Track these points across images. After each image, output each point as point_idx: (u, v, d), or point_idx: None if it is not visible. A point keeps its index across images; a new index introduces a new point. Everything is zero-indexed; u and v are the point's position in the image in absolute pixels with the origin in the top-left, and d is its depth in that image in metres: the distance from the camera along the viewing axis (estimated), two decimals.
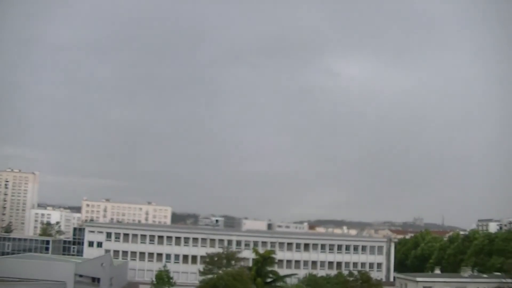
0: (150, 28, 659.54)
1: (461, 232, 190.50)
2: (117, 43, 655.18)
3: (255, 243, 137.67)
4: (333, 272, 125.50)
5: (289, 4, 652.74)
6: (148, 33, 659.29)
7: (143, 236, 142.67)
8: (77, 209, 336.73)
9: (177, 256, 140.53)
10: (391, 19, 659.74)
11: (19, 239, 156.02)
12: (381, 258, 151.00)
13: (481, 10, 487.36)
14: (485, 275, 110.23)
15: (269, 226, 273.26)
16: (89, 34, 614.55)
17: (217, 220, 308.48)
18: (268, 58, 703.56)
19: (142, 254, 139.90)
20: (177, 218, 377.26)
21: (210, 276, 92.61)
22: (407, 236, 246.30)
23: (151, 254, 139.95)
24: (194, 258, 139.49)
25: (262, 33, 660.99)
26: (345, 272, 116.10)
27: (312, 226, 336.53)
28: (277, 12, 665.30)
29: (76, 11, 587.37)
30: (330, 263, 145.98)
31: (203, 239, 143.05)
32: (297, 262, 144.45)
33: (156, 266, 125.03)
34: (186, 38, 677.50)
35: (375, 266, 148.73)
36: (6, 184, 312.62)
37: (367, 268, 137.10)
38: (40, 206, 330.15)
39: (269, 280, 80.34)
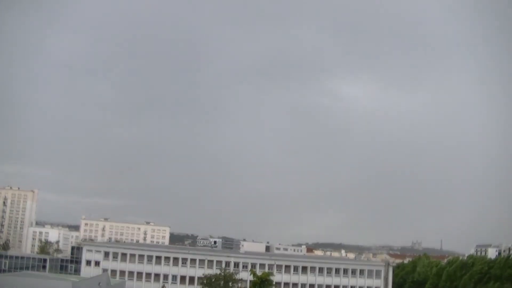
0: (153, 47, 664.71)
1: (460, 257, 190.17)
2: (120, 62, 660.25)
3: (253, 265, 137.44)
4: None
5: (292, 25, 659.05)
6: (151, 52, 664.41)
7: (141, 256, 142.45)
8: (76, 228, 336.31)
9: (174, 277, 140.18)
10: (394, 40, 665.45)
11: (17, 257, 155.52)
12: (379, 283, 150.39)
13: (485, 32, 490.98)
14: None
15: (267, 248, 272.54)
16: (92, 52, 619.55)
17: (215, 242, 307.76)
18: (270, 79, 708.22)
19: (139, 274, 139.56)
20: (175, 239, 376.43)
21: None
22: (406, 261, 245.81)
23: (148, 275, 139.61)
24: (191, 279, 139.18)
25: (265, 54, 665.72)
26: None
27: (310, 249, 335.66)
28: (280, 33, 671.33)
29: (79, 29, 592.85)
30: (328, 286, 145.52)
31: (201, 260, 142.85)
32: (295, 285, 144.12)
33: (153, 286, 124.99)
34: (189, 57, 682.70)
35: None
36: (4, 202, 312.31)
37: None
38: (38, 224, 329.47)
39: None
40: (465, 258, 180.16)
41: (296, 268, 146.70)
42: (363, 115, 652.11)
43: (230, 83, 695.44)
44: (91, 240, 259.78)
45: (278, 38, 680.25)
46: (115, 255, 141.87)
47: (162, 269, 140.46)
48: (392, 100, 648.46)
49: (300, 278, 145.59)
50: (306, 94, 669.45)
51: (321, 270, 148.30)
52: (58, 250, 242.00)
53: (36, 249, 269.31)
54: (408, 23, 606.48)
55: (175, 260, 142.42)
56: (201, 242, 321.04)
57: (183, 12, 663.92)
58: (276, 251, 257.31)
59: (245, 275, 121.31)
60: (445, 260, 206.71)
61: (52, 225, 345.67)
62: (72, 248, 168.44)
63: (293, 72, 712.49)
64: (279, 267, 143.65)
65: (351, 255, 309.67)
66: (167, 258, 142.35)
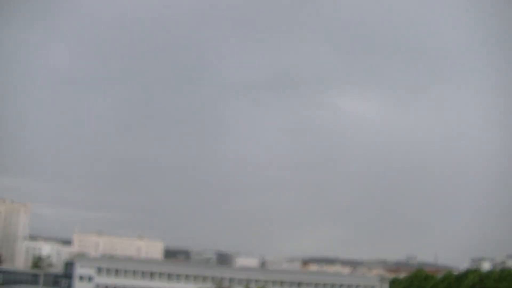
0: (152, 61, 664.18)
1: (454, 271, 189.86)
2: (118, 75, 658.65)
3: (248, 281, 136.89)
4: None
5: (292, 39, 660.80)
6: (151, 65, 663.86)
7: (135, 271, 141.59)
8: (69, 242, 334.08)
9: None
10: (396, 55, 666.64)
11: (10, 272, 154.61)
12: None
13: (489, 47, 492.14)
14: None
15: (262, 263, 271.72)
16: (90, 65, 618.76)
17: (209, 257, 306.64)
18: (271, 92, 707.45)
19: None
20: (169, 254, 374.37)
21: None
22: (401, 275, 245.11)
23: None
24: None
25: (264, 68, 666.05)
26: None
27: (304, 263, 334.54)
28: (280, 47, 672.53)
29: (77, 42, 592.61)
30: None
31: (196, 276, 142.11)
32: None
33: None
34: (188, 71, 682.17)
35: None
36: None
37: None
38: (31, 237, 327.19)
39: None
40: (460, 271, 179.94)
41: (291, 284, 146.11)
42: (362, 129, 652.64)
43: (230, 97, 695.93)
44: (84, 255, 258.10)
45: (280, 52, 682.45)
46: (108, 271, 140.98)
47: (156, 285, 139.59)
48: (393, 114, 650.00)
49: None
50: (306, 108, 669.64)
51: (316, 285, 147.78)
52: (51, 265, 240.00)
53: (29, 263, 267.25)
54: (410, 36, 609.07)
55: (170, 276, 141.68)
56: (196, 257, 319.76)
57: (185, 27, 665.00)
58: (271, 266, 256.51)
59: None
60: (440, 274, 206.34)
61: (45, 239, 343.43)
62: (65, 263, 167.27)
63: (290, 87, 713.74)
64: (273, 282, 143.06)
65: (346, 270, 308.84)
66: (161, 274, 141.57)
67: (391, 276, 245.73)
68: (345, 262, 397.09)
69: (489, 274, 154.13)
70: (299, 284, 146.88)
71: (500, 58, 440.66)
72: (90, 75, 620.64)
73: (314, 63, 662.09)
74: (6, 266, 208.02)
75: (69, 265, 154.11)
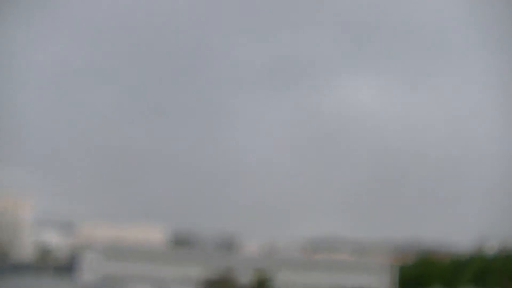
0: (155, 51, 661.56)
1: (460, 253, 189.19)
2: (117, 66, 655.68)
3: (255, 266, 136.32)
4: None
5: (295, 26, 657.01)
6: (153, 57, 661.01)
7: (140, 258, 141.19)
8: (73, 233, 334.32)
9: (174, 279, 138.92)
10: (400, 41, 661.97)
11: (14, 263, 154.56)
12: (381, 281, 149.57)
13: (495, 35, 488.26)
14: None
15: (269, 248, 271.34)
16: (92, 57, 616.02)
17: (215, 243, 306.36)
18: (275, 80, 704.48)
19: (139, 277, 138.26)
20: (176, 240, 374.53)
21: None
22: (408, 258, 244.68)
23: (148, 277, 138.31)
24: (192, 281, 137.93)
25: (265, 56, 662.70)
26: None
27: (310, 248, 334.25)
28: (284, 36, 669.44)
29: (80, 33, 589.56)
30: (330, 285, 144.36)
31: (202, 262, 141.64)
32: (297, 284, 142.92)
33: None
34: (192, 61, 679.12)
35: None
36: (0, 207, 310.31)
37: None
38: (35, 229, 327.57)
39: None
40: (467, 254, 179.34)
41: (297, 268, 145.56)
42: (367, 117, 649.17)
43: (234, 85, 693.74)
44: (90, 244, 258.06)
45: (281, 39, 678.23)
46: (114, 259, 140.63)
47: (161, 271, 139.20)
48: (397, 102, 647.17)
49: (302, 278, 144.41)
50: (311, 96, 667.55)
51: (323, 268, 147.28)
52: (57, 256, 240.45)
53: (34, 255, 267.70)
54: (416, 23, 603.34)
55: (175, 262, 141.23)
56: (201, 243, 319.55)
57: (186, 16, 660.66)
58: (278, 251, 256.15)
59: (247, 276, 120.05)
60: (448, 257, 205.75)
61: (50, 229, 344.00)
62: (72, 253, 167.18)
63: (295, 74, 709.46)
64: (280, 267, 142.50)
65: (353, 253, 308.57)
66: (165, 261, 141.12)
67: (398, 258, 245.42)
68: (352, 245, 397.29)
69: (495, 256, 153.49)
70: (306, 267, 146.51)
71: (504, 46, 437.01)
72: (93, 67, 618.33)
73: (316, 50, 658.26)
74: (11, 258, 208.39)
75: (75, 255, 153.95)
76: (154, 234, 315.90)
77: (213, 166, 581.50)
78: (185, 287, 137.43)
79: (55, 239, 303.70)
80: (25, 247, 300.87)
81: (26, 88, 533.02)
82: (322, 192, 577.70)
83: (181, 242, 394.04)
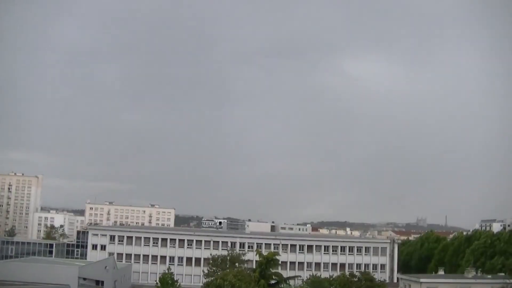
0: (158, 31, 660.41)
1: (464, 233, 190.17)
2: (125, 46, 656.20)
3: (259, 245, 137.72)
4: (337, 273, 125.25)
5: (299, 5, 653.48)
6: (156, 36, 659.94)
7: (147, 238, 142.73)
8: (81, 213, 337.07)
9: (180, 259, 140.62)
10: (402, 20, 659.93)
11: (23, 243, 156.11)
12: (385, 259, 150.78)
13: (493, 11, 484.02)
14: (489, 276, 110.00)
15: (273, 228, 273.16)
16: (96, 37, 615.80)
17: (220, 222, 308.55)
18: (278, 59, 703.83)
19: (145, 256, 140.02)
20: (180, 221, 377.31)
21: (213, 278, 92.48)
22: (410, 237, 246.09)
23: (154, 257, 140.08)
24: (198, 260, 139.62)
25: (271, 34, 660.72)
26: (348, 273, 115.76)
27: (315, 227, 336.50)
28: (287, 14, 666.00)
29: (83, 14, 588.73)
30: (334, 264, 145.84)
31: (207, 242, 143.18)
32: (301, 263, 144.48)
33: (160, 268, 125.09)
34: (195, 40, 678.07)
35: (379, 267, 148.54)
36: (9, 188, 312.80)
37: (370, 270, 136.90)
38: (43, 209, 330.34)
39: (272, 282, 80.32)
40: (470, 233, 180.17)
41: (301, 247, 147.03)
42: (372, 94, 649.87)
43: (238, 64, 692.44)
44: (96, 224, 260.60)
45: (287, 18, 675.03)
46: (120, 239, 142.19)
47: (168, 251, 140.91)
48: (401, 80, 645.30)
49: (306, 257, 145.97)
50: (316, 74, 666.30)
51: (326, 248, 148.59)
52: (63, 235, 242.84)
53: (42, 234, 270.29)
54: (418, 1, 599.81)
55: (181, 242, 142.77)
56: (206, 223, 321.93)
57: None
58: (282, 231, 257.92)
59: (251, 255, 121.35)
60: (450, 236, 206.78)
61: (57, 210, 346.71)
62: (78, 232, 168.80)
63: (299, 53, 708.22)
64: (284, 246, 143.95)
65: (356, 233, 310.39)
66: (172, 240, 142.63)
67: (401, 238, 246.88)
68: (354, 226, 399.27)
69: (499, 235, 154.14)
70: (310, 247, 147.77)
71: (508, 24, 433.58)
72: (99, 47, 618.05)
73: (322, 29, 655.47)
74: (19, 238, 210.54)
75: (82, 235, 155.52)
76: (159, 215, 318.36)
77: (217, 145, 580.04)
78: (193, 267, 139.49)
79: (62, 219, 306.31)
80: (33, 227, 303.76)
81: (34, 70, 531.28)
82: (327, 174, 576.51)
83: (187, 222, 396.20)
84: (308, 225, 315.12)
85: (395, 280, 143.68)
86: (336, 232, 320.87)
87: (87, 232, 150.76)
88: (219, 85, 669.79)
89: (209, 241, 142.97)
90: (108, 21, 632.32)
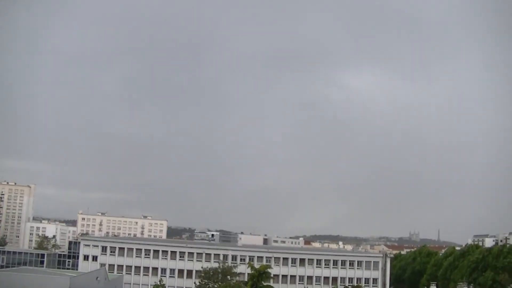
0: (156, 39, 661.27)
1: (457, 248, 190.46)
2: (122, 54, 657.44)
3: (251, 258, 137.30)
4: (329, 287, 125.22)
5: (299, 17, 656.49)
6: (154, 44, 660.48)
7: (139, 250, 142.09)
8: (73, 223, 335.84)
9: (172, 271, 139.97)
10: (403, 32, 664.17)
11: (14, 252, 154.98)
12: (377, 274, 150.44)
13: (490, 22, 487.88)
14: None
15: (265, 241, 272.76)
16: (93, 45, 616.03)
17: (212, 235, 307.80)
18: (275, 70, 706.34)
19: (137, 268, 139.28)
20: (172, 232, 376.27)
21: None
22: (403, 252, 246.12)
23: (146, 269, 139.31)
24: (189, 272, 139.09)
25: (270, 45, 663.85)
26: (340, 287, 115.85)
27: (308, 241, 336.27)
28: (286, 25, 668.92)
29: (81, 22, 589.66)
30: (326, 278, 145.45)
31: (199, 254, 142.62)
32: (293, 277, 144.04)
33: (151, 280, 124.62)
34: (192, 50, 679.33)
35: (371, 281, 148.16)
36: (1, 197, 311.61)
37: (363, 284, 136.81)
38: (35, 219, 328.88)
39: None
40: (462, 248, 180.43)
41: (294, 260, 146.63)
42: (369, 107, 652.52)
43: (234, 74, 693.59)
44: (88, 234, 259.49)
45: (287, 29, 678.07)
46: (112, 250, 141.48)
47: (160, 263, 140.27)
48: (398, 93, 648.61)
49: (298, 270, 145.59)
50: (311, 86, 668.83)
51: (319, 262, 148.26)
52: (55, 245, 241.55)
53: (33, 244, 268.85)
54: (417, 14, 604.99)
55: (173, 253, 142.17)
56: (199, 235, 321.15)
57: (187, 3, 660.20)
58: (274, 244, 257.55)
59: (243, 268, 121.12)
60: (442, 251, 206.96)
61: (49, 220, 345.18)
62: (70, 243, 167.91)
63: (298, 64, 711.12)
64: (277, 259, 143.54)
65: (349, 247, 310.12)
66: (164, 252, 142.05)
67: (393, 252, 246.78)
68: (347, 240, 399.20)
69: (491, 250, 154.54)
70: (302, 260, 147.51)
71: (505, 33, 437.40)
72: (96, 53, 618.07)
73: (322, 39, 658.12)
74: (10, 247, 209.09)
75: (73, 245, 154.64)
76: (152, 226, 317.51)
77: (211, 156, 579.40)
78: (184, 279, 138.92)
79: (54, 229, 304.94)
80: (25, 236, 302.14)
81: (31, 75, 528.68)
82: (320, 186, 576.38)
83: (179, 234, 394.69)
84: (301, 239, 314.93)
85: None
86: (328, 245, 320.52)
87: (79, 242, 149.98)
88: (214, 95, 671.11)
89: (201, 254, 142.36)
90: (106, 27, 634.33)
